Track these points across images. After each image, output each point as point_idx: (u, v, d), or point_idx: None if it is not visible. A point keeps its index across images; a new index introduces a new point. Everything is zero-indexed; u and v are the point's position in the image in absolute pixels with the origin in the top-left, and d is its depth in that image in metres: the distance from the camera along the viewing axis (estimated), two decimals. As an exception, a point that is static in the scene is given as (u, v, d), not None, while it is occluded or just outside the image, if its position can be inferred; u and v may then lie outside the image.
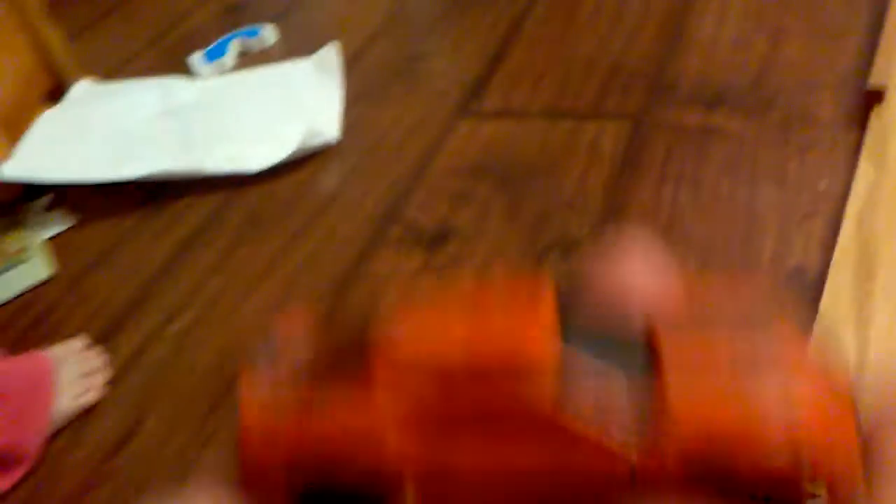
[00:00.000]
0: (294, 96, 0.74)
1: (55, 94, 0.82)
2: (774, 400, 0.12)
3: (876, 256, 0.40)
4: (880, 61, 0.54)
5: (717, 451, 0.11)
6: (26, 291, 0.61)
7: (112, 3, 1.03)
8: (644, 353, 0.12)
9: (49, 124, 0.76)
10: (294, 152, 0.66)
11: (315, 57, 0.77)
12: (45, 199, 0.71)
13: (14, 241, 0.67)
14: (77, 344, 0.52)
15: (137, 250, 0.63)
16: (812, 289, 0.42)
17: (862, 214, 0.43)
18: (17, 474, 0.45)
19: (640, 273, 0.14)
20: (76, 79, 0.83)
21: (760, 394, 0.12)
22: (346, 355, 0.13)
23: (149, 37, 0.93)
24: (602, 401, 0.12)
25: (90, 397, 0.49)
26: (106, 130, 0.74)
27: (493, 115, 0.66)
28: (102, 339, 0.54)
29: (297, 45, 0.82)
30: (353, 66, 0.76)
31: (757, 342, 0.12)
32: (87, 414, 0.49)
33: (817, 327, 0.39)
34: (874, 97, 0.52)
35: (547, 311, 0.12)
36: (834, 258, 0.41)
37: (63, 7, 0.89)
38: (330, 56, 0.76)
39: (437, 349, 0.12)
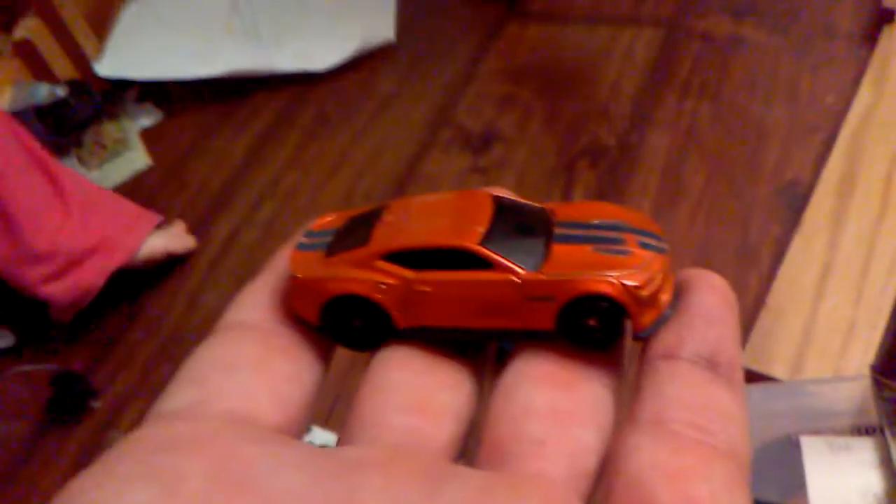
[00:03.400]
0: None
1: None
2: (617, 264, 0.19)
3: (858, 176, 0.46)
4: None
5: (571, 287, 0.17)
6: (127, 181, 0.71)
7: None
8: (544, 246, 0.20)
9: (133, 22, 0.83)
10: (355, 51, 0.73)
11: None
12: (132, 92, 0.80)
13: (113, 131, 0.77)
14: (180, 224, 0.62)
15: (221, 144, 0.71)
16: (800, 199, 0.49)
17: (854, 135, 0.49)
18: (111, 265, 0.54)
19: None
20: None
21: (610, 261, 0.19)
22: (356, 229, 0.21)
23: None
24: (510, 250, 0.19)
25: (179, 246, 0.59)
26: (185, 27, 0.81)
27: (537, 17, 0.71)
28: (200, 224, 0.64)
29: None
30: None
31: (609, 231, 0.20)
32: (190, 294, 0.60)
33: (798, 235, 0.46)
34: (886, 15, 0.56)
35: (484, 216, 0.19)
36: (822, 175, 0.48)
37: None
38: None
39: (408, 234, 0.19)
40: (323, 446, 0.33)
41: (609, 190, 0.55)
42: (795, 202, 0.49)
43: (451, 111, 0.65)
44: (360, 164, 0.64)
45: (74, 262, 0.54)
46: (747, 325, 0.43)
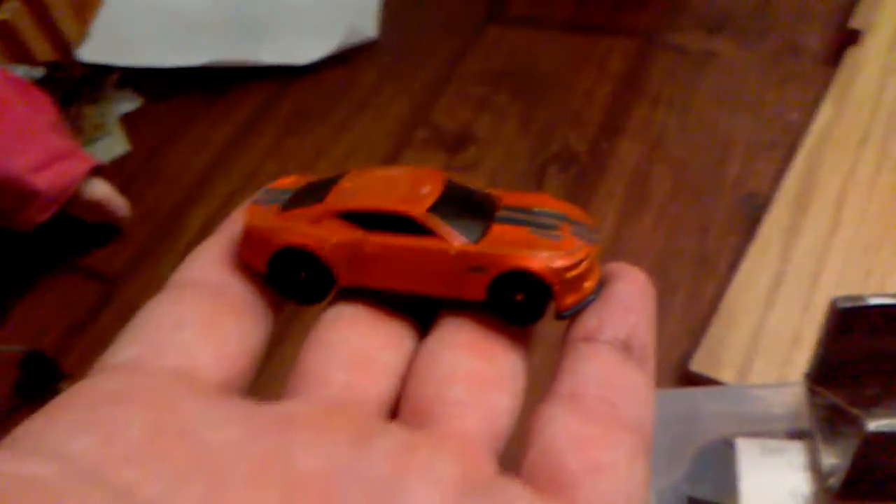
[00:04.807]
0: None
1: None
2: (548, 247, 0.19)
3: (813, 192, 0.48)
4: (865, 2, 0.59)
5: (501, 262, 0.19)
6: (106, 165, 0.71)
7: None
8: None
9: (117, 7, 0.83)
10: (337, 47, 0.74)
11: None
12: (114, 77, 0.80)
13: (93, 116, 0.77)
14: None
15: (200, 133, 0.72)
16: (759, 211, 0.51)
17: (812, 151, 0.51)
18: (87, 164, 0.59)
19: None
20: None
21: (543, 242, 0.19)
22: (314, 190, 0.22)
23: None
24: (452, 222, 0.20)
25: (119, 202, 0.61)
26: (169, 14, 0.82)
27: (518, 22, 0.72)
28: (176, 211, 0.65)
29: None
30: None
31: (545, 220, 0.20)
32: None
33: (753, 246, 0.48)
34: (851, 36, 0.58)
35: (434, 191, 0.20)
36: (780, 188, 0.50)
37: None
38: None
39: (361, 197, 0.20)
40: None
41: (577, 195, 0.56)
42: (754, 214, 0.51)
43: (428, 111, 0.67)
44: (337, 159, 0.65)
45: (57, 157, 0.57)
46: (701, 331, 0.45)
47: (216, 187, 0.66)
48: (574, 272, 0.19)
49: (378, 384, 0.19)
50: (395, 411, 0.19)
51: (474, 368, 0.19)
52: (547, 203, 0.22)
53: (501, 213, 0.21)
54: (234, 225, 0.23)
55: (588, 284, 0.19)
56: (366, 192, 0.21)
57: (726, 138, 0.58)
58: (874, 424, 0.25)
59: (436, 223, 0.20)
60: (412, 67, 0.71)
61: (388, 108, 0.68)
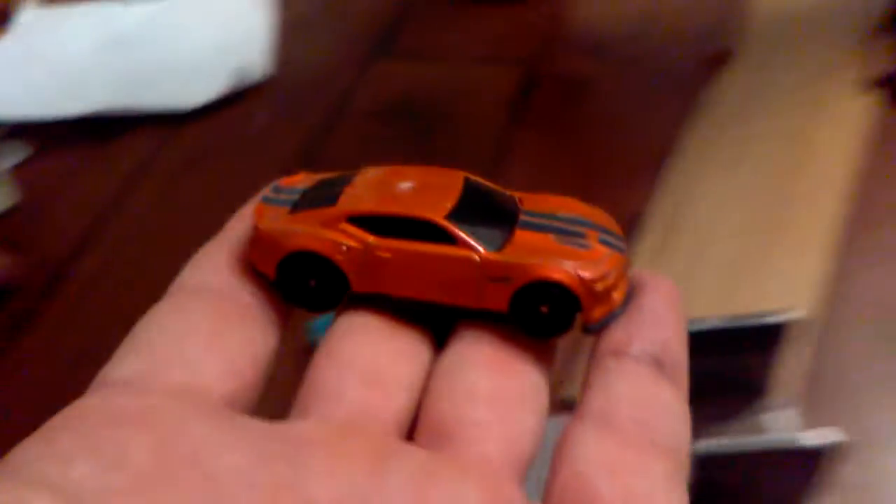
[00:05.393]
0: (225, 28, 0.80)
1: (2, 19, 0.87)
2: (575, 256, 0.18)
3: (681, 214, 0.50)
4: (731, 23, 0.62)
5: (524, 271, 0.18)
6: (-7, 219, 0.69)
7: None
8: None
9: (4, 57, 0.81)
10: (227, 88, 0.73)
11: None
12: (2, 129, 0.78)
13: (-22, 170, 0.75)
14: None
15: (90, 182, 0.71)
16: (636, 233, 0.52)
17: (683, 172, 0.53)
18: None
19: None
20: (23, 4, 0.88)
21: (569, 251, 0.18)
22: (325, 190, 0.20)
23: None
24: (473, 228, 0.19)
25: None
26: (53, 63, 0.80)
27: (406, 56, 0.73)
28: (64, 263, 0.63)
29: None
30: None
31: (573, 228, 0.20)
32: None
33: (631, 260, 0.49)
34: (720, 58, 0.61)
35: (453, 193, 0.19)
36: (652, 210, 0.51)
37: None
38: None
39: (376, 199, 0.19)
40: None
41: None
42: (631, 236, 0.52)
43: (320, 148, 0.67)
44: (229, 203, 0.65)
45: None
46: (574, 358, 0.46)
47: (107, 235, 0.65)
48: (604, 283, 0.18)
49: (394, 401, 0.17)
50: (411, 430, 0.18)
51: (496, 386, 0.18)
52: (571, 207, 0.21)
53: (524, 218, 0.20)
54: (239, 225, 0.22)
55: (617, 296, 0.19)
56: (381, 195, 0.19)
57: (607, 162, 0.59)
58: (705, 444, 0.26)
59: (457, 229, 0.18)
60: (303, 105, 0.71)
61: (280, 147, 0.68)
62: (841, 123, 0.53)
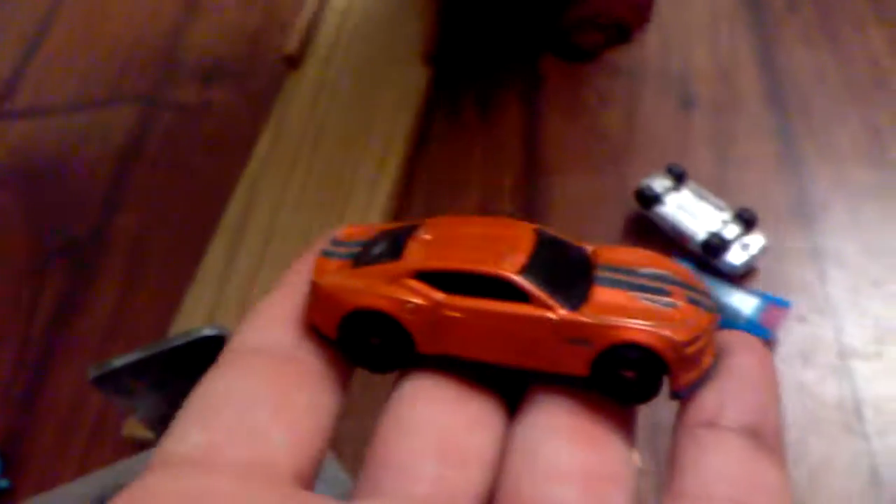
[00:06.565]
0: None
1: None
2: (663, 311, 0.17)
3: (250, 218, 0.50)
4: (298, 26, 0.61)
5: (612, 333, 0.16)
6: None
7: None
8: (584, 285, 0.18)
9: None
10: None
11: None
12: None
13: None
14: None
15: None
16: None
17: (251, 178, 0.53)
18: None
19: None
20: None
21: (654, 311, 0.17)
22: (388, 243, 0.19)
23: None
24: (549, 285, 0.17)
25: None
26: None
27: (19, 115, 0.69)
28: None
29: None
30: None
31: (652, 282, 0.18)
32: None
33: (191, 285, 0.48)
34: (290, 63, 0.61)
35: (525, 247, 0.18)
36: (222, 221, 0.51)
37: None
38: None
39: (443, 253, 0.18)
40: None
41: (79, 284, 0.54)
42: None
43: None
44: None
45: None
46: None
47: None
48: (695, 347, 0.17)
49: (471, 477, 0.16)
50: None
51: (582, 462, 0.16)
52: (652, 261, 0.19)
53: (601, 274, 0.18)
54: (296, 279, 0.19)
55: (707, 359, 0.17)
56: (449, 249, 0.18)
57: (218, 183, 0.58)
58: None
59: (531, 287, 0.17)
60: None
61: None
62: (402, 92, 0.55)
